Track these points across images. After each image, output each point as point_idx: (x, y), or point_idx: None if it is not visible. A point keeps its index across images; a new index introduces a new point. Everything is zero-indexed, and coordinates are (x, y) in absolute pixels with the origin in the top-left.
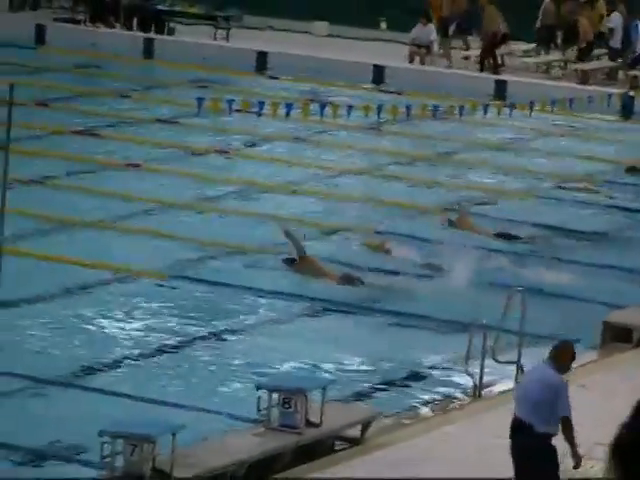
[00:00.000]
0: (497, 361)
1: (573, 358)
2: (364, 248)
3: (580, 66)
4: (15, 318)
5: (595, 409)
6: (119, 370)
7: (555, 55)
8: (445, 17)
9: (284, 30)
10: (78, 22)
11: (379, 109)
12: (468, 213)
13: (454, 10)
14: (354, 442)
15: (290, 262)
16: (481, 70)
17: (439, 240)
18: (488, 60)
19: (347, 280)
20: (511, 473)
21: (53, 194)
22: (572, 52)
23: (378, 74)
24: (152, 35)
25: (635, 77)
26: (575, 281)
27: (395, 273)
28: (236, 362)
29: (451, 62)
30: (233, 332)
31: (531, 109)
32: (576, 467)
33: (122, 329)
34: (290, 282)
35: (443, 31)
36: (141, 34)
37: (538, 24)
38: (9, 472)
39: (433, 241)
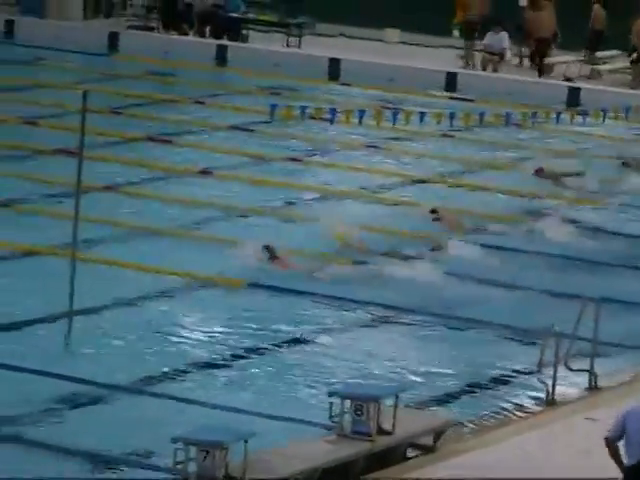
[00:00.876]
0: (570, 369)
1: None
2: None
3: None
4: (90, 325)
5: None
6: (192, 377)
7: (623, 62)
8: (472, 19)
9: (356, 37)
10: (151, 29)
11: (452, 116)
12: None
13: (479, 12)
14: (427, 450)
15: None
16: (539, 75)
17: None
18: (537, 64)
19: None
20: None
21: (126, 201)
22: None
23: (451, 81)
24: (225, 42)
25: None
26: None
27: (470, 281)
28: (308, 369)
29: (473, 63)
30: (305, 339)
31: (604, 116)
32: None
33: (196, 336)
34: (362, 289)
35: (468, 33)
36: (214, 41)
37: (588, 29)
38: (83, 477)
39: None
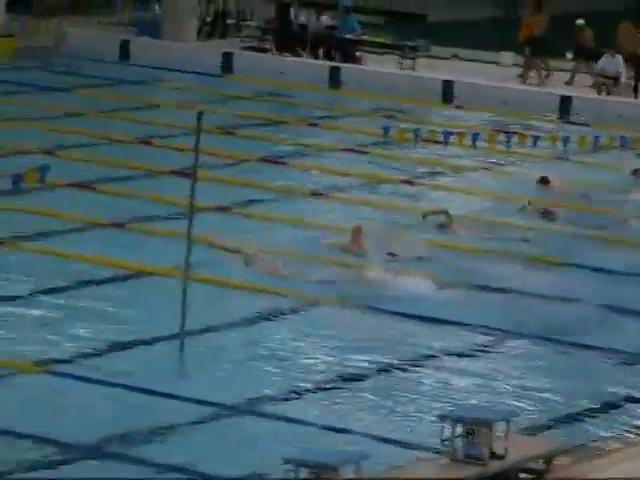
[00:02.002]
0: None
1: None
2: None
3: None
4: (202, 345)
5: None
6: (302, 397)
7: None
8: (535, 36)
9: (471, 60)
10: (265, 51)
11: (565, 140)
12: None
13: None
14: (539, 475)
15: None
16: (635, 97)
17: None
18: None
19: None
20: None
21: (238, 222)
22: None
23: (565, 105)
24: (339, 64)
25: None
26: None
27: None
28: (419, 392)
29: (543, 81)
30: (416, 362)
31: None
32: None
33: (305, 357)
34: (472, 312)
35: (532, 50)
36: (328, 63)
37: None
38: None
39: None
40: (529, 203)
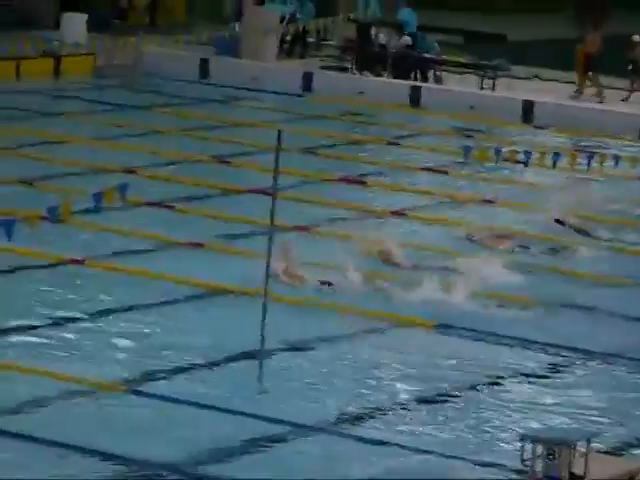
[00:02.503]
0: None
1: None
2: None
3: None
4: (282, 363)
5: None
6: (383, 418)
7: None
8: (591, 53)
9: (551, 80)
10: (345, 70)
11: None
12: None
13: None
14: None
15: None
16: None
17: None
18: None
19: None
20: None
21: (318, 241)
22: None
23: None
24: (419, 83)
25: None
26: None
27: None
28: (500, 412)
29: (602, 99)
30: (495, 382)
31: None
32: None
33: (388, 376)
34: (555, 334)
35: (587, 67)
36: (408, 82)
37: None
38: None
39: None
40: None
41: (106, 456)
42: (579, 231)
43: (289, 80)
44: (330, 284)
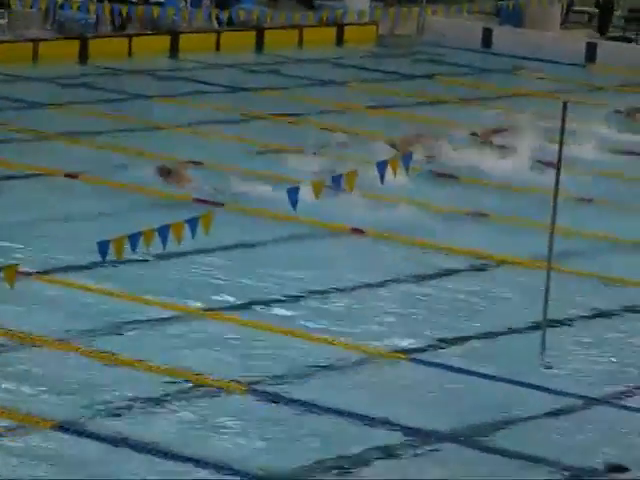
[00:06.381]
0: None
1: None
2: None
3: None
4: (563, 336)
5: None
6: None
7: None
8: None
9: None
10: (630, 40)
11: None
12: None
13: None
14: None
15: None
16: None
17: None
18: None
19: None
20: None
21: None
22: None
23: None
24: None
25: None
26: None
27: None
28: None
29: None
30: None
31: None
32: None
33: None
34: None
35: None
36: None
37: None
38: None
39: None
40: None
41: (377, 421)
42: None
43: (572, 50)
44: None
